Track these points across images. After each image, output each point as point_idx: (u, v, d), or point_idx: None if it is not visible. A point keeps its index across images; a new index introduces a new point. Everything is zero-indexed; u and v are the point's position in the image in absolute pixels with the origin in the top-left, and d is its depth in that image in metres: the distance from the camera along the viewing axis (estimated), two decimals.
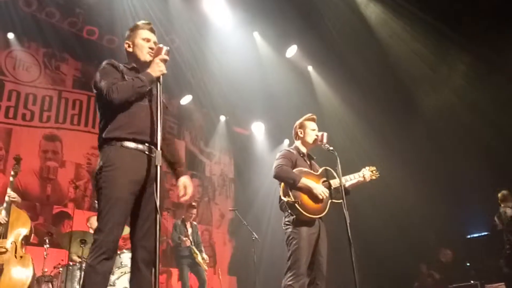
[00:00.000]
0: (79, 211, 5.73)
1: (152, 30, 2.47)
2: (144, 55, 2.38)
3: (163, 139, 2.44)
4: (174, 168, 2.52)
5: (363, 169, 3.54)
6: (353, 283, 2.93)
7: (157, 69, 2.24)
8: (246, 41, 7.67)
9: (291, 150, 3.47)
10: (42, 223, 6.19)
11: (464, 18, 6.48)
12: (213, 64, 7.70)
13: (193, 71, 7.90)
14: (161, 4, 6.68)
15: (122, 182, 2.12)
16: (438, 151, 7.63)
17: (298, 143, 3.53)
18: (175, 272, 7.06)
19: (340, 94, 8.26)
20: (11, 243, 3.67)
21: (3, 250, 3.59)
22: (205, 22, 7.27)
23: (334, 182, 3.35)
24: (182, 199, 2.46)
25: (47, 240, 4.76)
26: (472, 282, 5.96)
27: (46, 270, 4.67)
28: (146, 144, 2.24)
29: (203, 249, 6.14)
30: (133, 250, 2.23)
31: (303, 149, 3.50)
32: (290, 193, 3.17)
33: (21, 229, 3.79)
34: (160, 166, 2.03)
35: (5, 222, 3.67)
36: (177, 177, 2.48)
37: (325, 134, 3.44)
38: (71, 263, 4.55)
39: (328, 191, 3.26)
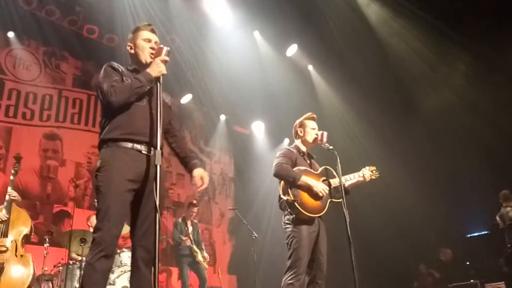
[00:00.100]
0: (79, 210, 5.74)
1: (153, 31, 2.48)
2: (145, 56, 2.39)
3: (172, 136, 2.51)
4: (186, 162, 2.55)
5: (363, 169, 3.53)
6: (353, 282, 2.93)
7: (157, 69, 2.25)
8: (246, 40, 7.67)
9: (291, 149, 3.47)
10: (42, 222, 6.20)
11: (465, 18, 6.48)
12: (213, 63, 7.70)
13: (193, 70, 7.89)
14: (161, 3, 6.67)
15: (118, 181, 2.14)
16: (438, 151, 7.64)
17: (298, 142, 3.53)
18: (175, 271, 7.07)
19: (340, 93, 8.26)
20: (12, 242, 3.68)
21: (4, 249, 3.59)
22: (205, 21, 7.27)
23: (334, 182, 3.35)
24: (200, 189, 2.49)
25: (47, 239, 4.77)
26: (472, 281, 5.96)
27: (46, 269, 4.68)
28: (144, 144, 2.24)
29: (203, 247, 6.15)
30: (132, 249, 2.25)
31: (303, 148, 3.50)
32: (290, 192, 3.18)
33: (21, 228, 3.80)
34: (160, 166, 2.03)
35: (6, 219, 3.67)
36: (191, 170, 2.51)
37: (325, 133, 3.44)
38: (71, 262, 4.56)
39: (328, 188, 3.26)
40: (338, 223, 3.26)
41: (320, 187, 3.21)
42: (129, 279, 2.31)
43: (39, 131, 6.75)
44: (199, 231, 6.33)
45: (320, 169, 3.45)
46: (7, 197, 3.77)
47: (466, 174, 7.19)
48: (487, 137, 6.82)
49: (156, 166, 2.02)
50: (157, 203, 1.95)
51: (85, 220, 5.56)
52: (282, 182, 3.29)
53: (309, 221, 3.21)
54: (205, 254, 6.00)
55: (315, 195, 3.21)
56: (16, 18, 6.45)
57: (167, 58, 2.29)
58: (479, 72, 6.93)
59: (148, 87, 2.26)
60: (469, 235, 7.73)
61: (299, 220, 3.17)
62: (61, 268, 4.66)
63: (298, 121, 3.57)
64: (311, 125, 3.51)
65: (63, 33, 6.88)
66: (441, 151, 7.60)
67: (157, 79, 2.25)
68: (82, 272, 2.15)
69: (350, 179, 3.46)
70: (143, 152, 2.23)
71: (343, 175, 3.31)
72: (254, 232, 5.75)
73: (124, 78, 2.29)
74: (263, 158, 8.96)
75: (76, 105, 7.29)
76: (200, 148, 9.09)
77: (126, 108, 2.23)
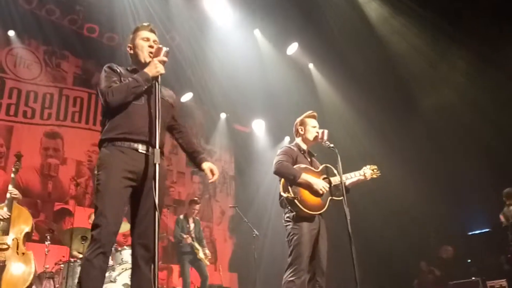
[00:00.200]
0: (80, 208, 5.77)
1: (152, 30, 2.50)
2: (144, 55, 2.41)
3: (178, 132, 2.56)
4: (194, 157, 2.58)
5: (364, 168, 3.52)
6: (353, 279, 2.94)
7: (154, 69, 2.27)
8: (246, 39, 7.67)
9: (292, 147, 3.47)
10: (43, 220, 6.22)
11: (464, 15, 6.46)
12: (213, 61, 7.70)
13: (194, 69, 7.89)
14: (162, 2, 6.67)
15: (115, 179, 2.16)
16: (438, 149, 7.64)
17: (298, 140, 3.54)
18: (176, 268, 7.09)
19: (341, 91, 8.26)
20: (13, 240, 3.69)
21: (5, 246, 3.60)
22: (206, 19, 7.26)
23: (334, 180, 3.35)
24: (212, 181, 2.55)
25: (48, 237, 4.79)
26: (473, 278, 5.95)
27: (47, 266, 4.69)
28: (142, 143, 2.26)
29: (205, 244, 6.16)
30: (132, 247, 2.27)
31: (304, 146, 3.51)
32: (290, 189, 3.18)
33: (22, 226, 3.81)
34: (159, 164, 2.04)
35: (7, 216, 3.68)
36: (199, 165, 2.55)
37: (326, 131, 3.44)
38: (72, 260, 4.57)
39: (328, 186, 3.27)
40: (338, 221, 3.26)
41: (320, 184, 3.21)
42: (130, 277, 2.32)
43: (40, 129, 6.76)
44: (201, 228, 6.35)
45: (320, 167, 3.45)
46: (8, 195, 3.78)
47: (466, 172, 7.19)
48: (487, 135, 6.82)
49: (155, 165, 2.03)
50: (156, 201, 1.96)
51: (86, 218, 5.57)
52: (283, 179, 3.29)
53: (310, 219, 3.21)
54: (207, 251, 6.01)
55: (315, 193, 3.22)
56: (16, 17, 6.45)
57: (165, 59, 2.31)
58: (479, 70, 6.92)
59: (145, 87, 2.27)
60: (470, 233, 7.73)
61: (299, 218, 3.18)
62: (62, 266, 4.67)
63: (298, 119, 3.57)
64: (312, 123, 3.51)
65: (63, 32, 6.89)
66: (441, 149, 7.60)
67: (155, 78, 2.26)
68: (80, 268, 2.15)
69: (350, 178, 3.47)
70: (140, 151, 2.24)
71: (343, 173, 3.30)
72: (254, 230, 5.76)
73: (122, 78, 2.31)
74: (263, 156, 8.97)
75: (76, 104, 7.31)
76: (200, 146, 9.09)
77: (124, 107, 2.25)
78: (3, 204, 3.78)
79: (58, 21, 6.76)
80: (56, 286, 4.57)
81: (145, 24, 2.54)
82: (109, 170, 2.17)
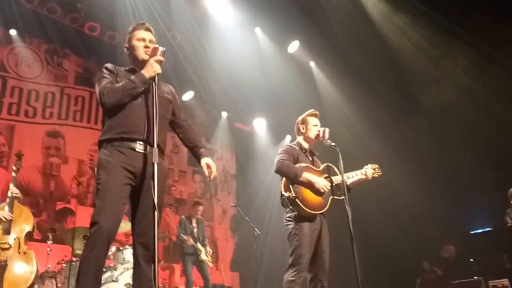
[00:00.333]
0: (82, 207, 5.77)
1: (147, 29, 2.49)
2: (141, 54, 2.41)
3: (178, 127, 2.57)
4: (194, 153, 2.57)
5: (366, 167, 3.50)
6: (355, 279, 2.92)
7: (151, 69, 2.27)
8: (247, 37, 7.65)
9: (293, 146, 3.46)
10: (45, 219, 6.23)
11: (466, 12, 6.42)
12: (214, 60, 7.68)
13: (195, 67, 7.88)
14: (163, 0, 6.66)
15: (113, 179, 2.17)
16: (441, 147, 7.61)
17: (300, 138, 3.52)
18: (177, 268, 7.10)
19: (342, 89, 8.23)
20: (14, 239, 3.69)
21: (7, 246, 3.60)
22: (207, 18, 7.25)
23: (336, 179, 3.34)
24: (209, 177, 2.48)
25: (50, 236, 4.78)
26: (475, 278, 5.93)
27: (49, 266, 4.70)
28: (140, 142, 2.25)
29: (207, 243, 6.16)
30: (133, 247, 2.28)
31: (305, 145, 3.49)
32: (291, 188, 3.17)
33: (24, 225, 3.80)
34: (158, 163, 2.04)
35: (10, 218, 3.68)
36: (198, 159, 2.53)
37: (327, 129, 3.42)
38: (74, 259, 4.57)
39: (330, 184, 3.25)
40: (340, 220, 3.25)
41: (322, 183, 3.20)
42: (131, 276, 2.32)
43: (42, 128, 6.77)
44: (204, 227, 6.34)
45: (322, 166, 3.43)
46: (9, 194, 3.78)
47: (468, 170, 7.16)
48: (489, 133, 6.79)
49: (153, 164, 2.02)
50: (156, 201, 1.96)
51: (88, 217, 5.55)
52: (284, 178, 3.28)
53: (311, 218, 3.20)
54: (208, 249, 6.02)
55: (316, 192, 3.20)
56: (18, 16, 6.46)
57: (162, 58, 2.31)
58: (481, 67, 6.89)
59: (142, 88, 2.28)
60: (472, 232, 7.70)
61: (300, 217, 3.17)
62: (64, 265, 4.67)
63: (300, 118, 3.55)
64: (313, 121, 3.49)
65: (64, 30, 6.89)
66: (443, 147, 7.57)
67: (152, 78, 2.27)
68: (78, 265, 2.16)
69: (352, 177, 3.45)
70: (138, 150, 2.24)
71: (345, 172, 3.28)
72: (256, 229, 5.76)
73: (118, 79, 2.32)
74: (264, 155, 8.96)
75: (78, 103, 7.31)
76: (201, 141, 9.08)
77: (122, 107, 2.26)
78: (4, 204, 3.77)
79: (59, 19, 6.76)
80: (58, 285, 4.57)
81: (140, 23, 2.53)
82: (108, 170, 2.18)
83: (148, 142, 2.24)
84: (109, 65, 2.40)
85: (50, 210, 6.48)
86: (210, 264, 5.99)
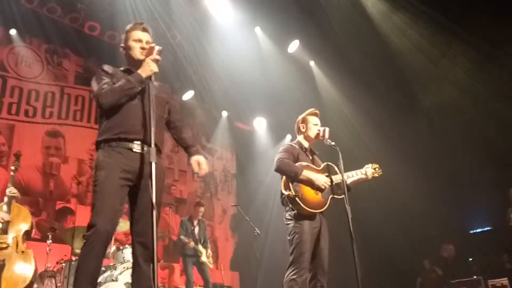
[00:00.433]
0: (81, 207, 5.77)
1: (144, 30, 2.48)
2: (137, 55, 2.42)
3: (173, 128, 2.56)
4: (187, 151, 2.58)
5: (366, 166, 3.50)
6: (355, 278, 2.92)
7: (148, 69, 2.27)
8: (247, 37, 7.65)
9: (293, 145, 3.46)
10: (45, 219, 6.22)
11: (466, 11, 6.42)
12: (214, 59, 7.68)
13: (195, 67, 7.88)
14: (163, 0, 6.65)
15: (110, 179, 2.18)
16: (440, 146, 7.60)
17: (300, 138, 3.52)
18: (177, 267, 7.10)
19: (342, 89, 8.23)
20: (13, 239, 3.68)
21: (5, 245, 3.59)
22: (207, 17, 7.25)
23: (336, 178, 3.34)
24: (199, 174, 2.50)
25: (50, 236, 4.78)
26: (475, 277, 5.93)
27: (49, 265, 4.70)
28: (137, 142, 2.26)
29: (208, 244, 6.16)
30: (132, 246, 2.29)
31: (305, 144, 3.50)
32: (291, 187, 3.17)
33: (22, 225, 3.80)
34: (155, 163, 2.04)
35: (8, 219, 3.68)
36: (190, 157, 2.54)
37: (327, 129, 3.42)
38: (73, 259, 4.57)
39: (330, 181, 3.25)
40: (340, 220, 3.25)
41: (322, 180, 3.20)
42: (131, 275, 2.33)
43: (42, 128, 6.77)
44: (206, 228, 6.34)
45: (322, 165, 3.43)
46: (7, 193, 3.78)
47: (468, 170, 7.16)
48: (489, 132, 6.79)
49: (150, 163, 2.02)
50: (154, 200, 1.96)
51: (88, 216, 5.56)
52: (284, 177, 3.28)
53: (311, 217, 3.20)
54: (209, 252, 6.02)
55: (317, 189, 3.21)
56: (18, 16, 6.47)
57: (158, 57, 2.31)
58: (480, 66, 6.88)
59: (139, 88, 2.28)
60: (472, 231, 7.70)
61: (300, 216, 3.17)
62: (64, 264, 4.68)
63: (300, 117, 3.55)
64: (314, 121, 3.50)
65: (64, 30, 6.89)
66: (442, 146, 7.56)
67: (148, 78, 2.27)
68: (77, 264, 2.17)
69: (352, 176, 3.45)
70: (135, 150, 2.25)
71: (345, 171, 3.28)
72: (256, 229, 5.76)
73: (115, 80, 2.32)
74: (265, 154, 8.96)
75: (78, 102, 7.31)
76: (202, 144, 9.09)
77: (119, 108, 2.26)
78: (2, 204, 3.77)
79: (59, 19, 6.77)
80: (58, 285, 4.58)
81: (137, 22, 2.52)
82: (105, 170, 2.19)
83: (145, 141, 2.25)
84: (105, 67, 2.41)
85: (50, 209, 6.49)
86: (211, 266, 5.99)
